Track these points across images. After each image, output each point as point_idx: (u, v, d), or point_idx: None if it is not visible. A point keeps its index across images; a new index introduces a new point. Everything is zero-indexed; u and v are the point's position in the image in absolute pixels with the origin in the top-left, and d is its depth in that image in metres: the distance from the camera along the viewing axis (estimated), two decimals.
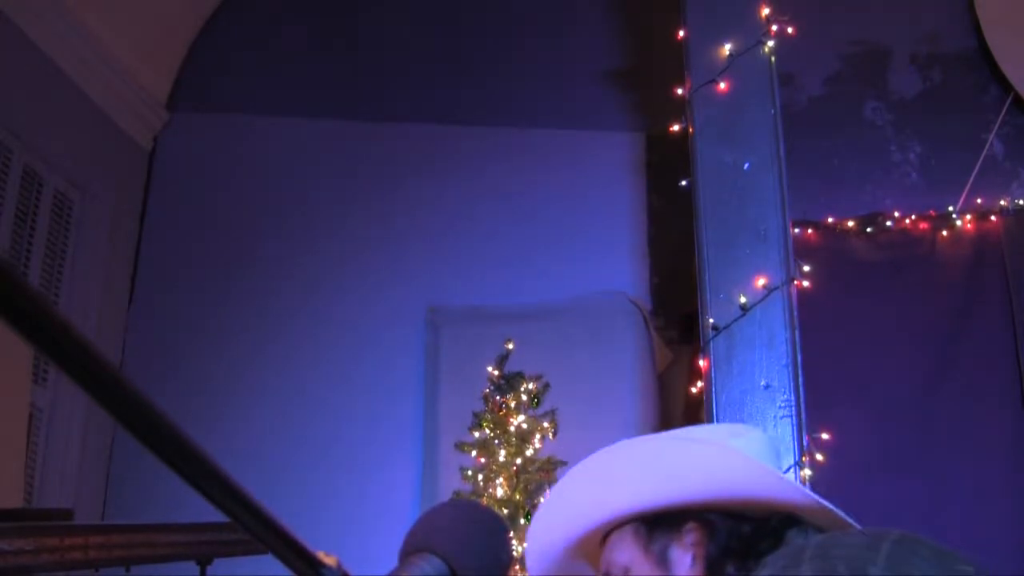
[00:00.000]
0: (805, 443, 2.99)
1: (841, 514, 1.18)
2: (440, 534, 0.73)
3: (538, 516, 1.31)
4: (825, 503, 1.17)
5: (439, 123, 4.92)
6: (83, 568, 2.19)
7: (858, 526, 1.17)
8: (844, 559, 0.86)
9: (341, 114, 4.96)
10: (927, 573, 0.83)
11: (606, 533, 1.26)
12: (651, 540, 1.20)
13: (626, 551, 1.22)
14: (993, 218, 4.07)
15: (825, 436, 3.30)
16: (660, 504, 1.19)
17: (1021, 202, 4.08)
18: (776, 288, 3.11)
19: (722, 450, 1.19)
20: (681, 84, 3.45)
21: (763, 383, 3.03)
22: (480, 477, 4.16)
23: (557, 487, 1.28)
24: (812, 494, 1.18)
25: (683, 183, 3.34)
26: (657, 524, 1.20)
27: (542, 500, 1.46)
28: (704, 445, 1.20)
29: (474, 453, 4.22)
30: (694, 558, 1.18)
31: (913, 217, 4.13)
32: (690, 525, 1.19)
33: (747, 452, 1.21)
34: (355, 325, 4.62)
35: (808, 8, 3.85)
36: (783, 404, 3.01)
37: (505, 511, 4.02)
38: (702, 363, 3.14)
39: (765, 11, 3.42)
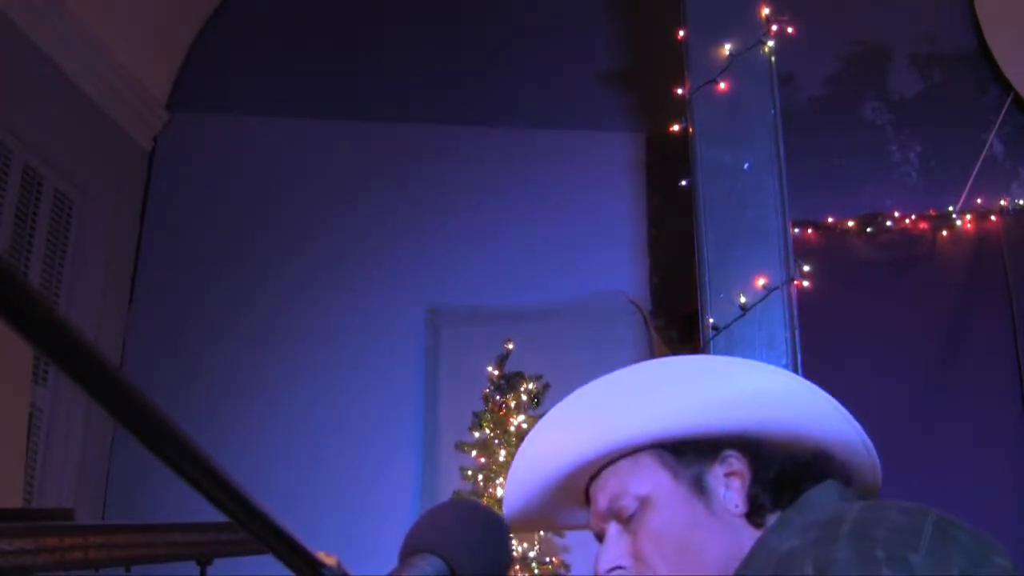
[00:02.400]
0: None
1: (875, 459, 1.10)
2: (440, 534, 0.73)
3: (532, 436, 1.12)
4: (869, 446, 1.08)
5: (439, 123, 4.92)
6: (83, 568, 2.19)
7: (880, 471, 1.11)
8: (883, 542, 0.84)
9: (341, 114, 4.96)
10: (965, 567, 0.82)
11: (598, 468, 1.09)
12: (681, 465, 1.04)
13: (647, 478, 1.04)
14: (993, 218, 4.07)
15: None
16: (694, 429, 1.03)
17: (1021, 202, 4.08)
18: (776, 288, 3.11)
19: (780, 375, 1.08)
20: (681, 84, 3.45)
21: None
22: (480, 477, 4.16)
23: (563, 403, 1.10)
24: (864, 435, 1.08)
25: (683, 183, 3.34)
26: (683, 449, 1.04)
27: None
28: (757, 368, 1.09)
29: (474, 453, 4.22)
30: (735, 489, 1.03)
31: (913, 217, 4.13)
32: (729, 452, 1.04)
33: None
34: (355, 325, 4.62)
35: (808, 8, 3.85)
36: None
37: None
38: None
39: (765, 11, 3.42)
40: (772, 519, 1.03)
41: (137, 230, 4.82)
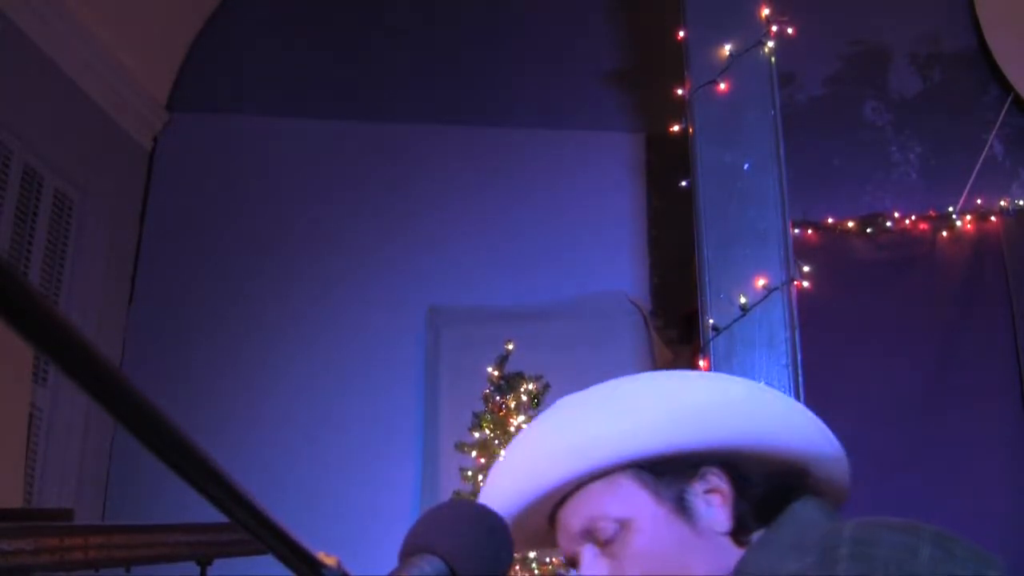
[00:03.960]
0: None
1: (846, 468, 1.08)
2: (440, 534, 0.73)
3: (503, 464, 1.07)
4: (843, 454, 1.06)
5: (439, 123, 4.92)
6: (83, 568, 2.19)
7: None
8: (884, 561, 0.83)
9: (341, 114, 4.96)
10: None
11: (565, 495, 1.04)
12: (661, 484, 1.00)
13: (626, 499, 1.00)
14: (993, 218, 4.07)
15: None
16: (670, 447, 0.99)
17: (1021, 202, 4.08)
18: (776, 288, 3.11)
19: (755, 389, 1.05)
20: (681, 84, 3.45)
21: (763, 383, 3.03)
22: (480, 477, 4.16)
23: (530, 426, 1.06)
24: (838, 444, 1.05)
25: (683, 183, 3.34)
26: (661, 468, 1.00)
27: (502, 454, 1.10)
28: (734, 382, 1.05)
29: (474, 453, 4.22)
30: (717, 505, 1.00)
31: (913, 217, 4.13)
32: (709, 468, 1.00)
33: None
34: (355, 325, 4.62)
35: (808, 8, 3.85)
36: None
37: None
38: (702, 363, 3.14)
39: (765, 11, 3.42)
40: (755, 536, 1.01)
41: (137, 230, 4.82)
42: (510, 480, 1.05)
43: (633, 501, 1.00)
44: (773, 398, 1.07)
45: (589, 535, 1.03)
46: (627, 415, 1.00)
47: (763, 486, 1.01)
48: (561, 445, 1.01)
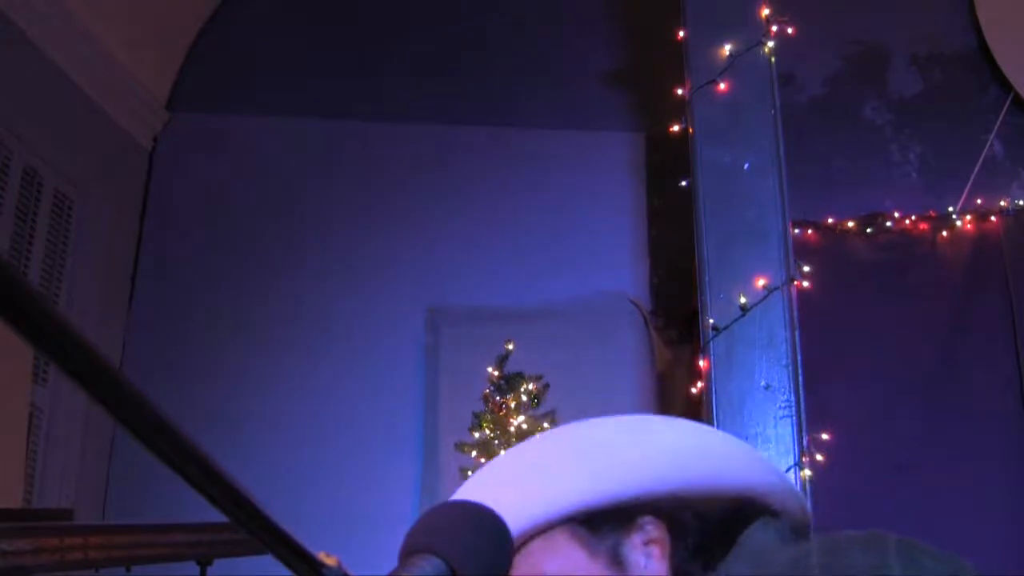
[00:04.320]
0: (805, 443, 2.99)
1: (800, 494, 1.04)
2: (440, 534, 0.73)
3: None
4: (791, 484, 1.03)
5: (439, 123, 4.92)
6: (83, 568, 2.19)
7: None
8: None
9: (341, 114, 4.96)
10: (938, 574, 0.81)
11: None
12: (596, 539, 0.97)
13: (559, 557, 0.98)
14: (993, 218, 4.07)
15: (825, 436, 3.30)
16: (603, 498, 0.97)
17: (1021, 202, 4.08)
18: (776, 288, 3.11)
19: (696, 430, 1.02)
20: (681, 84, 3.45)
21: (763, 383, 3.03)
22: None
23: (461, 489, 1.05)
24: (783, 474, 1.03)
25: (683, 183, 3.34)
26: (597, 522, 0.97)
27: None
28: (667, 424, 1.02)
29: (474, 453, 4.22)
30: (656, 557, 0.96)
31: (913, 217, 4.14)
32: (645, 519, 0.97)
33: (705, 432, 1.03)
34: (355, 325, 4.62)
35: (808, 8, 3.85)
36: (783, 404, 3.01)
37: None
38: (702, 363, 3.15)
39: (765, 11, 3.42)
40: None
41: (137, 230, 4.82)
42: None
43: (566, 558, 0.98)
44: (712, 439, 1.02)
45: None
46: (555, 472, 0.98)
47: (703, 529, 0.97)
48: (501, 503, 0.95)
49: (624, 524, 0.97)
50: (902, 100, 4.44)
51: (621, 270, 4.59)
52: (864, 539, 0.84)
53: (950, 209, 4.12)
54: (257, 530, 0.53)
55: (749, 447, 1.04)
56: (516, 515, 0.95)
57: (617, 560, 0.96)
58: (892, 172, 4.36)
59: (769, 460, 1.03)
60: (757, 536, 0.97)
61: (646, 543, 0.97)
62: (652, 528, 0.97)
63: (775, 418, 3.00)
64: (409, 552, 0.72)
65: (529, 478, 0.99)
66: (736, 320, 3.09)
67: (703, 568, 0.97)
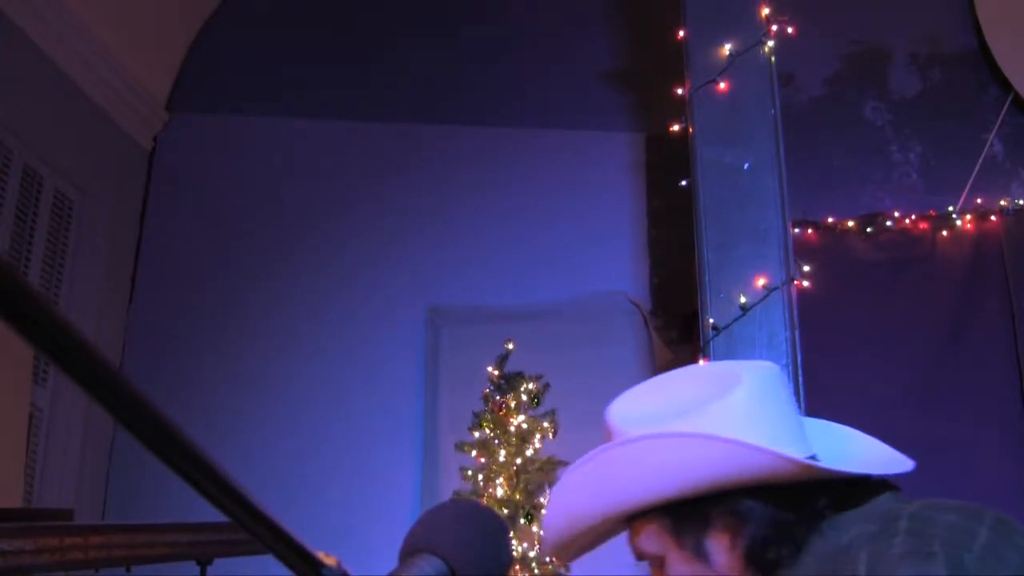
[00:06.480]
0: None
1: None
2: (440, 534, 0.73)
3: (546, 521, 1.19)
4: (828, 468, 1.05)
5: (439, 123, 4.92)
6: (83, 568, 2.19)
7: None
8: (940, 539, 0.87)
9: (341, 114, 4.96)
10: (1018, 568, 0.84)
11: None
12: (680, 535, 1.09)
13: (655, 543, 1.11)
14: (993, 218, 4.07)
15: None
16: (663, 498, 1.06)
17: (1021, 202, 4.08)
18: (776, 288, 3.11)
19: (699, 441, 1.05)
20: (681, 84, 3.45)
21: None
22: (480, 477, 4.16)
23: (552, 496, 1.17)
24: (793, 457, 1.02)
25: (683, 183, 3.35)
26: (680, 515, 1.08)
27: (543, 500, 1.24)
28: (680, 439, 1.06)
29: (474, 453, 4.22)
30: (731, 548, 1.06)
31: (913, 217, 4.14)
32: (718, 511, 1.06)
33: (736, 418, 1.07)
34: (355, 325, 4.62)
35: (808, 8, 3.85)
36: None
37: (505, 511, 4.02)
38: (702, 363, 3.14)
39: (765, 11, 3.42)
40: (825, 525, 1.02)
41: (137, 230, 4.83)
42: (570, 513, 1.15)
43: (660, 545, 1.10)
44: (716, 450, 1.05)
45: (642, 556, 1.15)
46: (608, 488, 1.09)
47: (780, 516, 1.04)
48: (602, 488, 1.11)
49: (701, 518, 1.07)
50: (902, 100, 4.44)
51: (621, 270, 4.59)
52: (965, 506, 0.94)
53: (950, 209, 4.12)
54: (257, 530, 0.53)
55: (766, 451, 1.05)
56: (600, 515, 1.10)
57: (700, 554, 1.07)
58: (892, 172, 4.36)
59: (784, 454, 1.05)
60: (874, 497, 1.05)
61: (723, 536, 1.06)
62: (725, 520, 1.06)
63: None
64: (409, 552, 0.72)
65: (597, 489, 1.10)
66: (736, 320, 3.10)
67: (782, 550, 1.03)
